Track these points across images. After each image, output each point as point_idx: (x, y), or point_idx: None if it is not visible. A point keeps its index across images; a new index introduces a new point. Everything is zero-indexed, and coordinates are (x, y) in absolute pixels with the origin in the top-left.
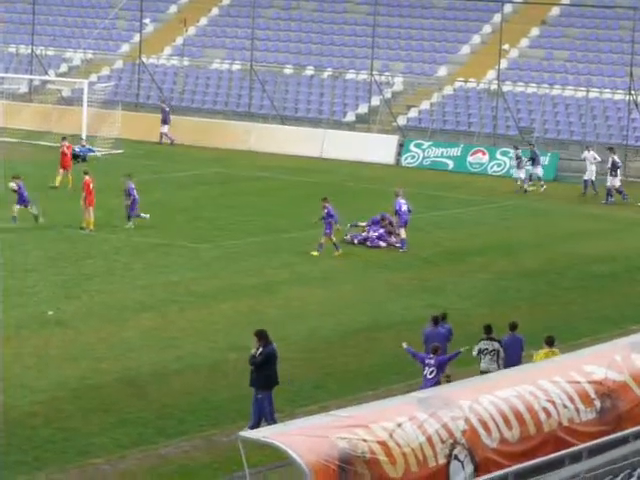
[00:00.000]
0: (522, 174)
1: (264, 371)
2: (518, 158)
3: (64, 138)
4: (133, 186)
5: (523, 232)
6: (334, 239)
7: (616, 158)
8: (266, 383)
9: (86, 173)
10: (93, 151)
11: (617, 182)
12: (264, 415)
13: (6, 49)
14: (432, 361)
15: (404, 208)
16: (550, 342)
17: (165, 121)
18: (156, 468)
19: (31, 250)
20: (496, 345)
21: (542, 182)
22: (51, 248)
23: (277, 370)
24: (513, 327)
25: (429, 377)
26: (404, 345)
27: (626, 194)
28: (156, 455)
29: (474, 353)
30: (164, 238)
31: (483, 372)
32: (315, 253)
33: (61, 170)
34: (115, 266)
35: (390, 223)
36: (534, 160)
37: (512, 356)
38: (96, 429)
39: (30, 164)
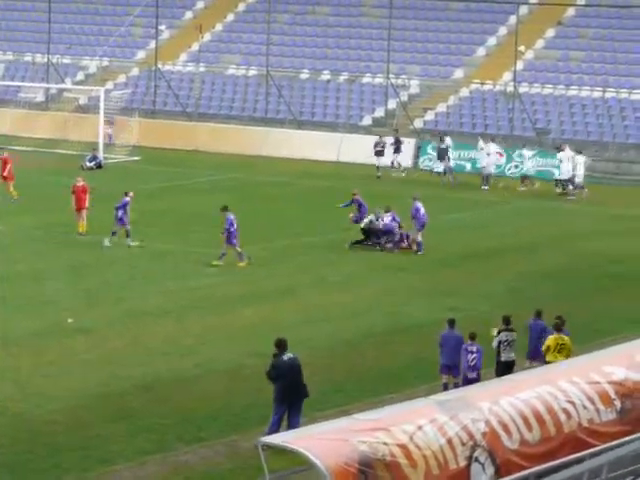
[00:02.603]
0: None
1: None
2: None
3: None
4: (232, 217)
5: (542, 233)
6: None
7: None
8: (276, 395)
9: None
10: (97, 158)
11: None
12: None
13: (22, 58)
14: (474, 347)
15: (422, 211)
16: (558, 328)
17: (111, 122)
18: (177, 474)
19: (51, 258)
20: (515, 336)
21: (402, 168)
22: (71, 256)
23: (287, 384)
24: (538, 314)
25: (471, 365)
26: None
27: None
28: (177, 461)
29: (494, 344)
30: (183, 244)
31: (503, 362)
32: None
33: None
34: (135, 273)
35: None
36: (398, 148)
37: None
38: (116, 436)
39: (47, 173)
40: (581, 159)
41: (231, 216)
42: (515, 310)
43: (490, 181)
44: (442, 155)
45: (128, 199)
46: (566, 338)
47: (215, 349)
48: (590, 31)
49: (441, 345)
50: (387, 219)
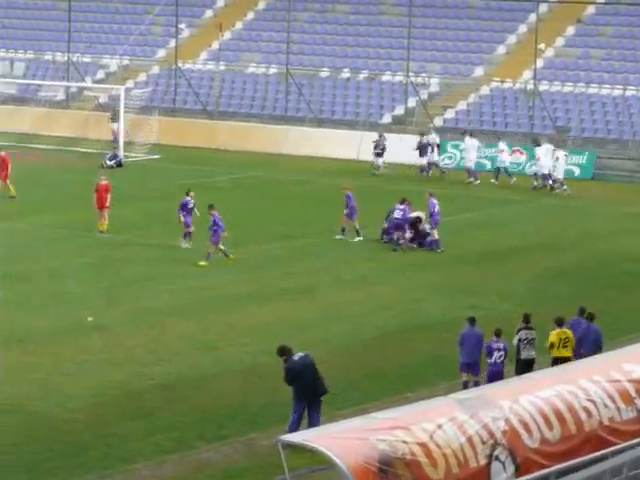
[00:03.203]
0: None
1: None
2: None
3: None
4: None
5: (562, 231)
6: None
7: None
8: (295, 394)
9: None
10: (118, 157)
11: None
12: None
13: (43, 57)
14: (501, 345)
15: (437, 209)
16: (560, 323)
17: (115, 119)
18: (196, 473)
19: (71, 257)
20: (534, 334)
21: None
22: (91, 254)
23: (304, 384)
24: (591, 318)
25: (498, 361)
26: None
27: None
28: (196, 460)
29: (514, 342)
30: (202, 243)
31: (523, 360)
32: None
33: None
34: (154, 271)
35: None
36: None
37: (586, 345)
38: (136, 434)
39: (67, 171)
40: (561, 154)
41: (217, 215)
42: (535, 308)
43: (476, 175)
44: (423, 150)
45: (189, 199)
46: (569, 332)
47: (233, 347)
48: (610, 29)
49: (461, 343)
50: (398, 213)
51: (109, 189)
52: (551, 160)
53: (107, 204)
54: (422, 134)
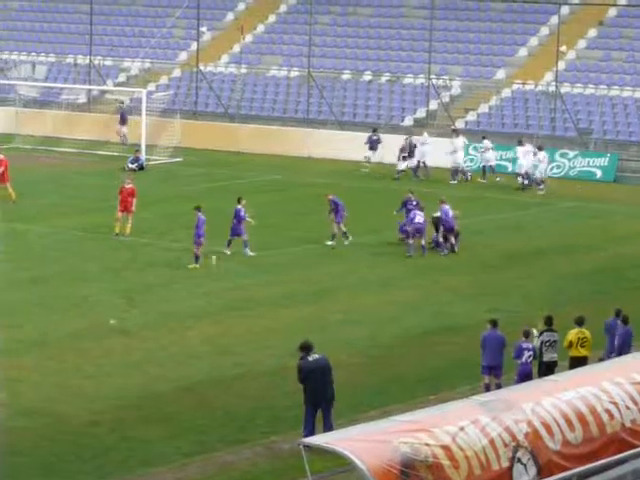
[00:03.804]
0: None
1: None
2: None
3: None
4: (203, 218)
5: (583, 234)
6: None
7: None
8: (304, 396)
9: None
10: (140, 160)
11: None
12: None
13: (64, 60)
14: (530, 345)
15: (451, 214)
16: (580, 322)
17: (124, 121)
18: (218, 476)
19: (92, 260)
20: (557, 336)
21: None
22: (112, 257)
23: (314, 386)
24: (625, 320)
25: (528, 361)
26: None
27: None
28: (218, 463)
29: (537, 344)
30: (224, 245)
31: (546, 362)
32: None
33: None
34: (175, 274)
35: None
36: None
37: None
38: (158, 437)
39: (89, 174)
40: (542, 155)
41: (202, 217)
42: (556, 310)
43: (459, 176)
44: (411, 153)
45: (240, 207)
46: (587, 332)
47: (255, 350)
48: (632, 31)
49: (483, 346)
50: (420, 218)
51: (134, 193)
52: (531, 160)
53: (132, 208)
54: (409, 135)
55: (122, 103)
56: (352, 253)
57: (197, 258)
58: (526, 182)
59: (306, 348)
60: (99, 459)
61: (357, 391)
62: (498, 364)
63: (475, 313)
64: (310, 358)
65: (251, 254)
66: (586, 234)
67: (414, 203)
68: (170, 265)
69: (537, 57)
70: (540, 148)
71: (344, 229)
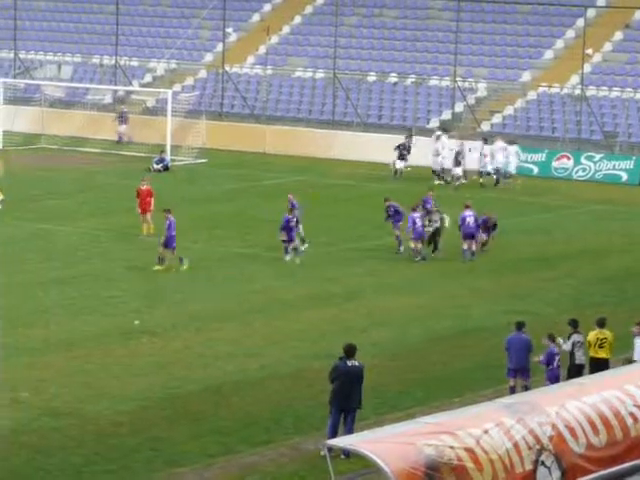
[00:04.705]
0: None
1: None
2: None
3: None
4: (173, 220)
5: (608, 237)
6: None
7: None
8: (331, 397)
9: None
10: (165, 160)
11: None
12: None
13: (90, 60)
14: (557, 349)
15: (467, 221)
16: (601, 324)
17: (123, 121)
18: (242, 477)
19: (117, 260)
20: (583, 338)
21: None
22: (135, 258)
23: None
24: None
25: (558, 366)
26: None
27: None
28: (242, 464)
29: (567, 348)
30: (248, 247)
31: (578, 365)
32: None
33: None
34: (199, 275)
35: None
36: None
37: None
38: (182, 438)
39: (114, 175)
40: (513, 149)
41: (172, 219)
42: (580, 314)
43: (445, 177)
44: (402, 155)
45: (290, 216)
46: (608, 333)
47: (280, 351)
48: None
49: (507, 348)
50: (419, 222)
51: (152, 193)
52: (502, 156)
53: (151, 208)
54: (409, 135)
55: (122, 103)
56: (375, 255)
57: (161, 260)
58: (493, 177)
59: (349, 352)
60: (124, 459)
61: (381, 393)
62: (524, 366)
63: (498, 316)
64: (348, 363)
65: (297, 261)
66: (611, 237)
67: (430, 204)
68: (195, 266)
69: (563, 60)
70: (511, 142)
71: (302, 233)
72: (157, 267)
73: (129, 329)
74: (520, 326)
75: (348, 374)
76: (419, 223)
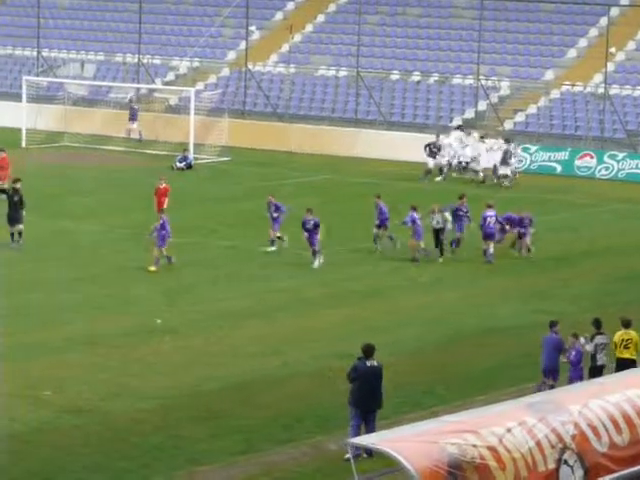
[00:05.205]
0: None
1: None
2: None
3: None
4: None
5: (631, 235)
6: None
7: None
8: (350, 398)
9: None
10: (188, 159)
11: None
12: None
13: (113, 58)
14: (582, 349)
15: (488, 221)
16: (626, 324)
17: (133, 118)
18: (264, 475)
19: (137, 259)
20: (608, 339)
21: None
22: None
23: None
24: None
25: (582, 366)
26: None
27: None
28: (264, 462)
29: (590, 349)
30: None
31: (600, 366)
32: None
33: None
34: (221, 274)
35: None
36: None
37: None
38: (204, 436)
39: (137, 173)
40: (510, 147)
41: (166, 219)
42: (605, 312)
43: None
44: (432, 153)
45: (309, 218)
46: (633, 334)
47: (302, 350)
48: None
49: (542, 348)
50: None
51: (167, 192)
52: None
53: (164, 207)
54: (438, 134)
55: (131, 101)
56: (398, 254)
57: (157, 260)
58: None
59: (369, 351)
60: (146, 457)
61: (404, 391)
62: (553, 366)
63: (522, 315)
64: (368, 363)
65: (316, 266)
66: (635, 236)
67: (464, 210)
68: (217, 264)
69: (586, 58)
70: (507, 140)
71: (277, 235)
72: (152, 268)
73: (151, 327)
74: (552, 325)
75: (368, 374)
76: (419, 223)
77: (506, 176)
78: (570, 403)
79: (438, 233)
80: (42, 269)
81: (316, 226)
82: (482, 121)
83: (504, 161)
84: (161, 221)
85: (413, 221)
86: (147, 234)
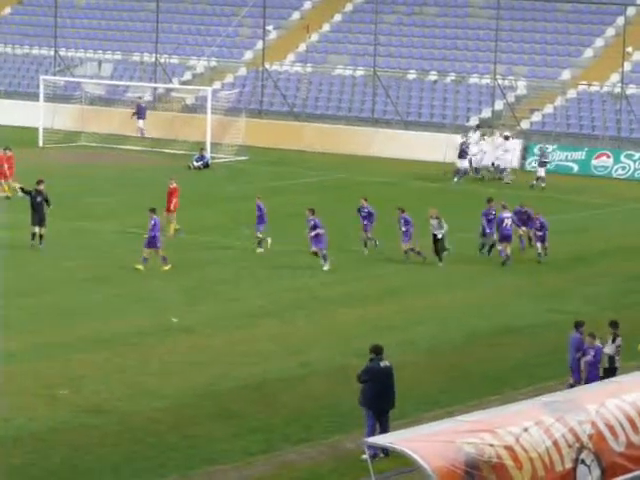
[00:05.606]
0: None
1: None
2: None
3: (6, 148)
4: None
5: None
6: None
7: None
8: (362, 399)
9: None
10: (205, 158)
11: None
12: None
13: (130, 57)
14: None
15: (505, 223)
16: None
17: (141, 116)
18: (282, 474)
19: (153, 258)
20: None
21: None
22: (175, 255)
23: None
24: None
25: (599, 366)
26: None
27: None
28: (282, 461)
29: (610, 351)
30: (288, 245)
31: (616, 368)
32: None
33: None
34: (240, 273)
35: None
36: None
37: None
38: (221, 435)
39: (154, 172)
40: (510, 144)
41: (157, 219)
42: (620, 313)
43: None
44: (462, 153)
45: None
46: None
47: (320, 349)
48: None
49: (569, 347)
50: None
51: (176, 193)
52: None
53: (171, 207)
54: (464, 134)
55: (140, 98)
56: (412, 256)
57: (145, 260)
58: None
59: (379, 351)
60: (163, 456)
61: (421, 390)
62: (573, 366)
63: (538, 314)
64: (381, 363)
65: (325, 268)
66: None
67: (494, 213)
68: (234, 263)
69: (603, 58)
70: (506, 137)
71: (260, 236)
72: (139, 266)
73: (167, 326)
74: (577, 325)
75: (382, 374)
76: (505, 222)
77: (539, 178)
78: (587, 402)
79: (435, 238)
80: (59, 268)
81: (315, 227)
82: (499, 121)
83: (541, 163)
84: (152, 221)
85: (406, 222)
86: (164, 234)
